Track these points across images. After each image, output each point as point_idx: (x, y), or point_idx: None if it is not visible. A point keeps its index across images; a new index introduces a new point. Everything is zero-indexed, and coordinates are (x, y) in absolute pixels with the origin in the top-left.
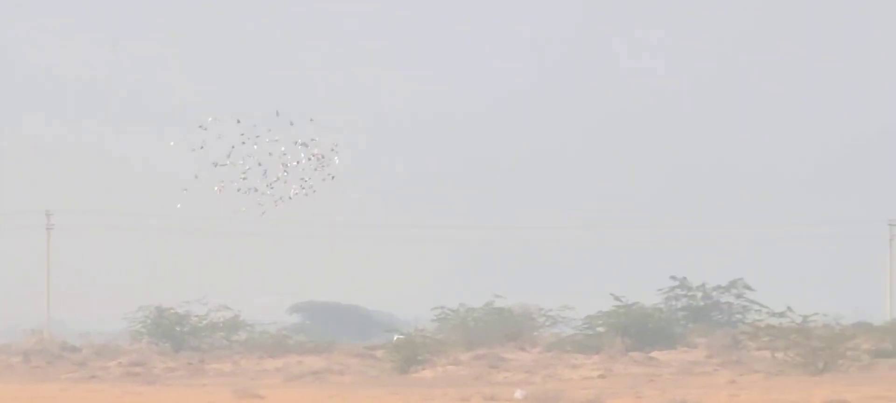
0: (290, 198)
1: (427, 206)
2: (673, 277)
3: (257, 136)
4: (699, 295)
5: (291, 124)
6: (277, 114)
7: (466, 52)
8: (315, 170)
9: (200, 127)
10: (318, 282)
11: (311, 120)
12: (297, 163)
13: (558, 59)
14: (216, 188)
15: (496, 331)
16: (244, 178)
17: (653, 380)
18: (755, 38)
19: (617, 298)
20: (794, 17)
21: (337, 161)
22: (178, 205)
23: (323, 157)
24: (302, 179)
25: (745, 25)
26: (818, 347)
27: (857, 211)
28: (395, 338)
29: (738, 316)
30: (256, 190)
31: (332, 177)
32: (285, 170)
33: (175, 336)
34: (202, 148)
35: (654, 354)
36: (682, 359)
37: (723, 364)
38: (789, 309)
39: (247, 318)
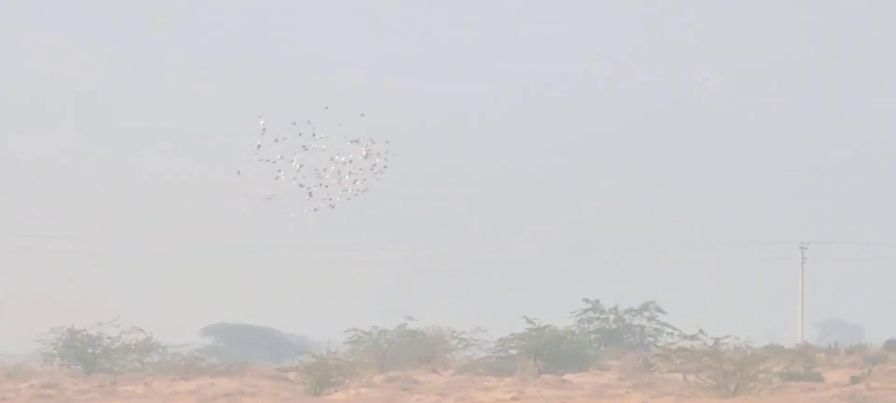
0: (349, 195)
1: (346, 226)
2: (585, 300)
3: (310, 132)
4: (611, 317)
5: (339, 125)
6: (326, 108)
7: (415, 68)
8: (371, 168)
9: (261, 130)
10: (231, 304)
11: (362, 115)
12: (350, 160)
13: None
14: (245, 194)
15: (409, 354)
16: (296, 178)
17: None
18: (676, 56)
19: (530, 321)
20: (714, 41)
21: (380, 162)
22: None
23: (377, 155)
24: (353, 177)
25: (657, 46)
26: (729, 370)
27: (769, 233)
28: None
29: (650, 338)
30: (310, 189)
31: (383, 168)
32: (339, 167)
33: (87, 358)
34: (260, 146)
35: (566, 376)
36: (594, 382)
37: (635, 386)
38: (701, 331)
39: (159, 340)
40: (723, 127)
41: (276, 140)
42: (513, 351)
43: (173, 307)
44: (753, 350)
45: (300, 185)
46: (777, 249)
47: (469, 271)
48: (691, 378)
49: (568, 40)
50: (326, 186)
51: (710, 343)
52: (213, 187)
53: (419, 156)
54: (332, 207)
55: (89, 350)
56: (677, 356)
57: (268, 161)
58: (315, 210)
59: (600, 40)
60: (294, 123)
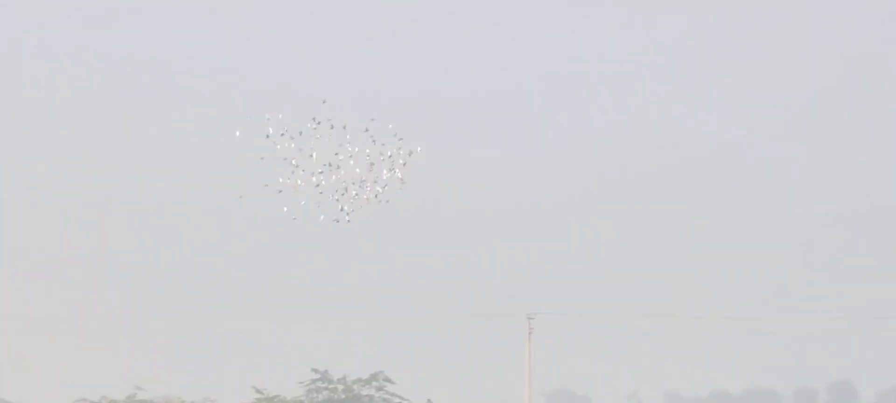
0: (376, 196)
1: (73, 297)
2: (314, 369)
3: (327, 124)
4: (340, 387)
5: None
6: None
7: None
8: (398, 168)
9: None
10: None
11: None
12: (374, 164)
13: None
14: (240, 195)
15: None
16: (316, 179)
17: None
18: None
19: (258, 391)
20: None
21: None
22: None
23: (406, 156)
24: (376, 183)
25: None
26: None
27: (497, 304)
28: None
29: None
30: (338, 193)
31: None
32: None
33: None
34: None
35: None
36: None
37: None
38: (429, 401)
39: None
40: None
41: (283, 134)
42: None
43: None
44: None
45: (318, 187)
46: (505, 320)
47: (201, 341)
48: None
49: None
50: (343, 193)
51: None
52: None
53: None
54: (349, 220)
55: None
56: None
57: (288, 159)
58: (346, 213)
59: None
60: (317, 121)
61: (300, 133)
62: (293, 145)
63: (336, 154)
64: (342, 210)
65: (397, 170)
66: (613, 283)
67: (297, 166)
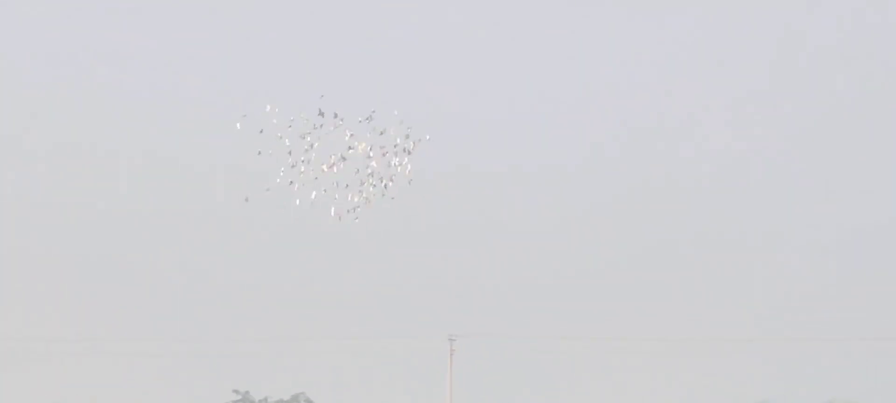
0: (386, 186)
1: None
2: (235, 391)
3: (338, 120)
4: None
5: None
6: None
7: None
8: (403, 162)
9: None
10: None
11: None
12: (384, 154)
13: None
14: (246, 198)
15: None
16: (327, 171)
17: None
18: None
19: None
20: None
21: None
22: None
23: (409, 147)
24: (383, 179)
25: None
26: None
27: (418, 325)
28: None
29: None
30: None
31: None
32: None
33: None
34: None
35: None
36: None
37: None
38: None
39: None
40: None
41: (290, 126)
42: None
43: None
44: None
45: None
46: (426, 341)
47: (124, 362)
48: None
49: None
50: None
51: None
52: None
53: None
54: (357, 219)
55: None
56: None
57: (290, 151)
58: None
59: None
60: (321, 113)
61: (290, 127)
62: (288, 141)
63: (349, 148)
64: (352, 210)
65: (407, 158)
66: (541, 305)
67: (305, 161)
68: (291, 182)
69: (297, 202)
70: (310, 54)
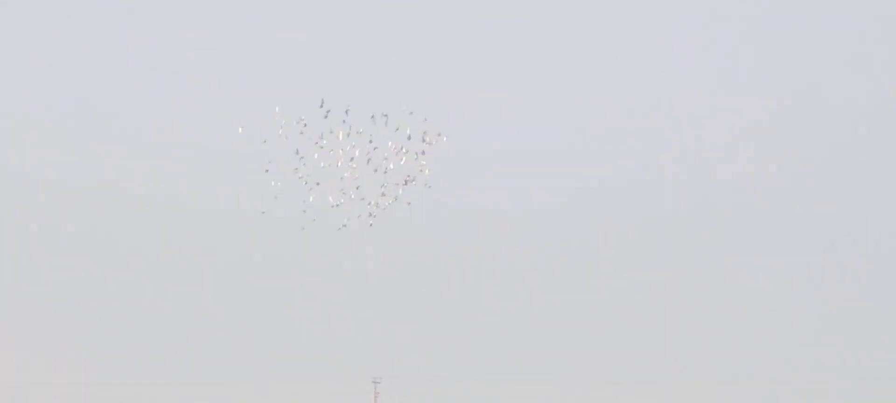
0: (406, 183)
1: None
2: None
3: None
4: None
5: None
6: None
7: None
8: (422, 155)
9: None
10: None
11: (411, 113)
12: (405, 150)
13: None
14: (275, 196)
15: None
16: (352, 169)
17: None
18: None
19: None
20: None
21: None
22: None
23: (430, 142)
24: (405, 176)
25: None
26: None
27: (343, 366)
28: None
29: None
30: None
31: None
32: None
33: None
34: (303, 132)
35: None
36: None
37: None
38: None
39: None
40: None
41: (305, 125)
42: None
43: None
44: None
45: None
46: (351, 383)
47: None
48: None
49: None
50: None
51: None
52: None
53: None
54: (374, 217)
55: None
56: None
57: (320, 144)
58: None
59: None
60: (326, 109)
61: (305, 126)
62: (301, 136)
63: (371, 142)
64: (370, 214)
65: (425, 149)
66: (465, 348)
67: (323, 165)
68: (305, 182)
69: (311, 198)
70: (309, 54)
